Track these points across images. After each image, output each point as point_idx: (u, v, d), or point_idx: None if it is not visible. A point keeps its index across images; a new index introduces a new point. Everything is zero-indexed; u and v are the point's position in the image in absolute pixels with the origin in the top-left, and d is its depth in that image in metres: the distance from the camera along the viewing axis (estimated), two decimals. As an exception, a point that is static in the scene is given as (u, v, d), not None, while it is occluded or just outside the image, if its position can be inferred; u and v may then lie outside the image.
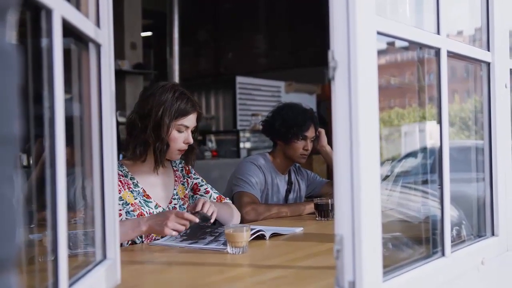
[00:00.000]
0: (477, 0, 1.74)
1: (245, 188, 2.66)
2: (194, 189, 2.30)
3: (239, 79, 7.51)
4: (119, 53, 6.68)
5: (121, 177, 2.07)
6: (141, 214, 2.05)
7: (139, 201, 2.08)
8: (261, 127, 2.99)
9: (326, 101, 7.36)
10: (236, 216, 2.28)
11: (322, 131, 2.91)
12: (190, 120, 2.12)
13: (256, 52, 9.14)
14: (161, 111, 2.05)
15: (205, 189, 2.30)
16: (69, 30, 1.02)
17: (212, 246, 1.83)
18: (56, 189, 0.93)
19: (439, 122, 1.42)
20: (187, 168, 2.31)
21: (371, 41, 1.11)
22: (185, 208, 2.22)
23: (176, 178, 2.26)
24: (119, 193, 2.02)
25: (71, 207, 1.31)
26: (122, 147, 2.17)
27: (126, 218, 2.02)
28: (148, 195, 2.12)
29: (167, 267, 1.69)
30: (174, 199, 2.20)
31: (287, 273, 1.54)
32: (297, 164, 2.96)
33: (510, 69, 1.79)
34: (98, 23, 1.25)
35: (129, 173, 2.12)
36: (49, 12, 0.92)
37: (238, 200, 2.64)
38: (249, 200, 2.62)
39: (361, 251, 1.05)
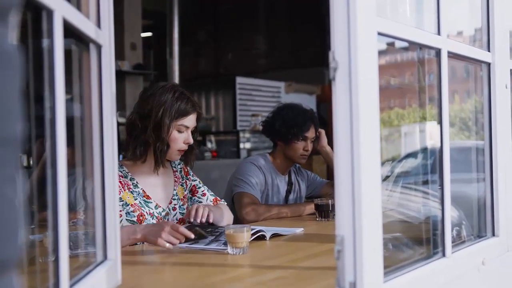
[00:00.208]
0: (477, 0, 1.74)
1: (245, 188, 2.66)
2: (193, 191, 2.30)
3: (239, 79, 7.51)
4: (119, 54, 6.68)
5: (121, 178, 2.07)
6: (141, 215, 2.05)
7: (139, 202, 2.08)
8: (261, 127, 2.99)
9: (326, 101, 7.36)
10: (227, 217, 2.27)
11: (322, 131, 2.90)
12: (190, 120, 2.12)
13: (256, 52, 9.14)
14: (161, 111, 2.05)
15: (202, 191, 2.31)
16: (70, 31, 1.02)
17: (213, 246, 1.83)
18: (57, 189, 0.93)
19: (440, 122, 1.42)
20: (186, 170, 2.32)
21: (371, 42, 1.11)
22: (184, 209, 2.22)
23: (176, 179, 2.26)
24: (119, 194, 2.02)
25: (72, 208, 1.30)
26: (122, 147, 2.17)
27: (126, 219, 2.03)
28: (148, 195, 2.12)
29: (167, 267, 1.69)
30: (174, 199, 2.21)
31: (288, 274, 1.54)
32: (297, 165, 2.96)
33: (511, 70, 1.79)
34: (99, 24, 1.25)
35: (129, 173, 2.12)
36: (50, 12, 0.92)
37: (238, 200, 2.64)
38: (249, 200, 2.62)
39: (362, 251, 1.05)
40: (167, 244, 1.73)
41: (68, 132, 0.97)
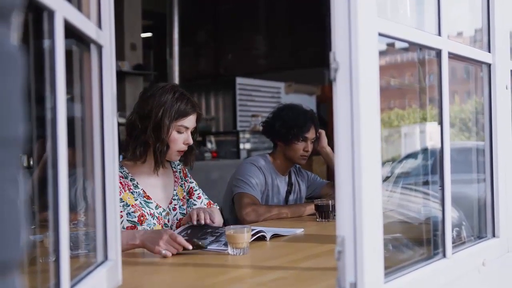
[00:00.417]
0: (477, 1, 1.74)
1: (245, 189, 2.66)
2: (190, 193, 2.31)
3: (239, 80, 7.50)
4: (119, 54, 6.65)
5: (121, 178, 2.07)
6: (142, 215, 2.05)
7: (140, 202, 2.08)
8: (261, 128, 2.98)
9: (326, 102, 7.36)
10: (218, 221, 2.25)
11: (323, 132, 2.90)
12: (190, 121, 2.12)
13: (256, 53, 9.14)
14: (161, 112, 2.05)
15: (198, 194, 2.31)
16: (70, 31, 1.02)
17: (213, 247, 1.83)
18: (58, 190, 0.93)
19: (440, 123, 1.42)
20: (185, 171, 2.32)
21: (372, 43, 1.11)
22: (184, 209, 2.22)
23: (176, 179, 2.26)
24: (120, 195, 2.02)
25: (72, 208, 1.30)
26: (121, 148, 2.17)
27: (127, 220, 2.03)
28: (148, 196, 2.12)
29: (168, 268, 1.69)
30: (174, 199, 2.21)
31: (288, 274, 1.54)
32: (297, 165, 2.96)
33: (511, 71, 1.79)
34: (99, 24, 1.25)
35: (129, 174, 2.12)
36: (51, 13, 0.92)
37: (239, 201, 2.64)
38: (250, 201, 2.62)
39: (363, 252, 1.05)
40: (163, 252, 1.73)
41: (69, 133, 0.97)
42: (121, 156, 2.27)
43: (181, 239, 1.75)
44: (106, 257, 1.28)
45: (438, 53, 1.42)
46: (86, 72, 1.24)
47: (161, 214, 2.13)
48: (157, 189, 2.17)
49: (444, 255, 1.40)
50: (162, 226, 2.11)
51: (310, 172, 3.09)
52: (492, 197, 1.70)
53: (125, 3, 6.65)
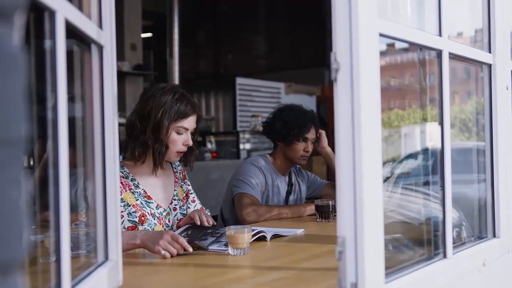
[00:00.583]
0: (477, 1, 1.74)
1: (245, 189, 2.66)
2: (187, 195, 2.31)
3: (239, 80, 7.50)
4: (119, 54, 6.65)
5: (122, 178, 2.07)
6: (142, 215, 2.05)
7: (140, 202, 2.08)
8: (261, 128, 2.98)
9: (325, 102, 7.36)
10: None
11: (323, 132, 2.91)
12: (190, 122, 2.12)
13: (256, 53, 9.14)
14: (161, 113, 2.05)
15: (193, 197, 2.33)
16: (71, 32, 1.02)
17: (214, 247, 1.83)
18: (59, 190, 0.93)
19: (441, 123, 1.42)
20: (184, 173, 2.33)
21: (373, 43, 1.11)
22: (184, 209, 2.22)
23: (176, 180, 2.26)
24: (120, 195, 2.02)
25: (72, 208, 1.31)
26: (121, 148, 2.17)
27: (128, 220, 2.03)
28: (149, 196, 2.12)
29: (168, 268, 1.69)
30: (175, 199, 2.21)
31: (289, 275, 1.54)
32: (298, 166, 2.96)
33: (511, 71, 1.79)
34: (100, 25, 1.25)
35: (130, 174, 2.12)
36: (52, 13, 0.92)
37: (239, 201, 2.64)
38: (250, 201, 2.62)
39: (363, 252, 1.05)
40: (163, 252, 1.73)
41: (70, 133, 0.97)
42: (120, 157, 2.27)
43: (182, 240, 1.75)
44: (106, 257, 1.28)
45: (439, 53, 1.42)
46: (87, 72, 1.24)
47: (162, 214, 2.13)
48: (157, 189, 2.17)
49: (445, 256, 1.40)
50: (163, 226, 2.11)
51: (310, 173, 3.09)
52: (492, 197, 1.70)
53: (125, 3, 6.65)
